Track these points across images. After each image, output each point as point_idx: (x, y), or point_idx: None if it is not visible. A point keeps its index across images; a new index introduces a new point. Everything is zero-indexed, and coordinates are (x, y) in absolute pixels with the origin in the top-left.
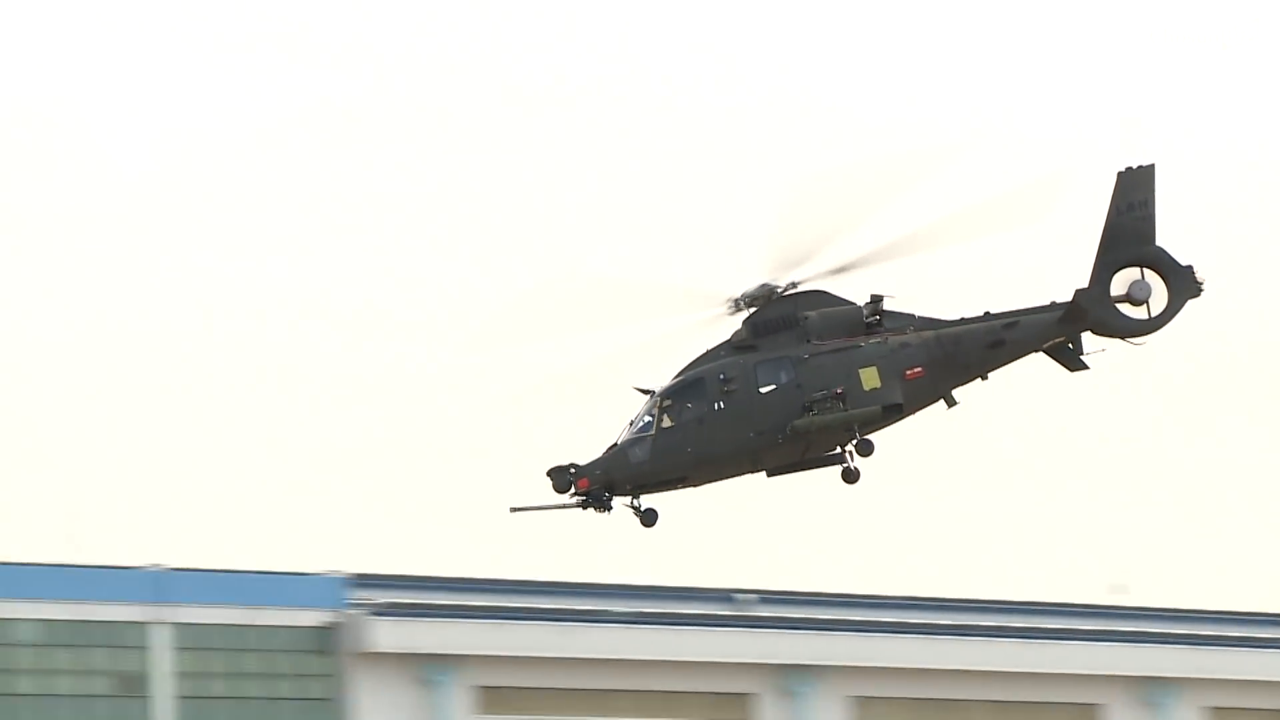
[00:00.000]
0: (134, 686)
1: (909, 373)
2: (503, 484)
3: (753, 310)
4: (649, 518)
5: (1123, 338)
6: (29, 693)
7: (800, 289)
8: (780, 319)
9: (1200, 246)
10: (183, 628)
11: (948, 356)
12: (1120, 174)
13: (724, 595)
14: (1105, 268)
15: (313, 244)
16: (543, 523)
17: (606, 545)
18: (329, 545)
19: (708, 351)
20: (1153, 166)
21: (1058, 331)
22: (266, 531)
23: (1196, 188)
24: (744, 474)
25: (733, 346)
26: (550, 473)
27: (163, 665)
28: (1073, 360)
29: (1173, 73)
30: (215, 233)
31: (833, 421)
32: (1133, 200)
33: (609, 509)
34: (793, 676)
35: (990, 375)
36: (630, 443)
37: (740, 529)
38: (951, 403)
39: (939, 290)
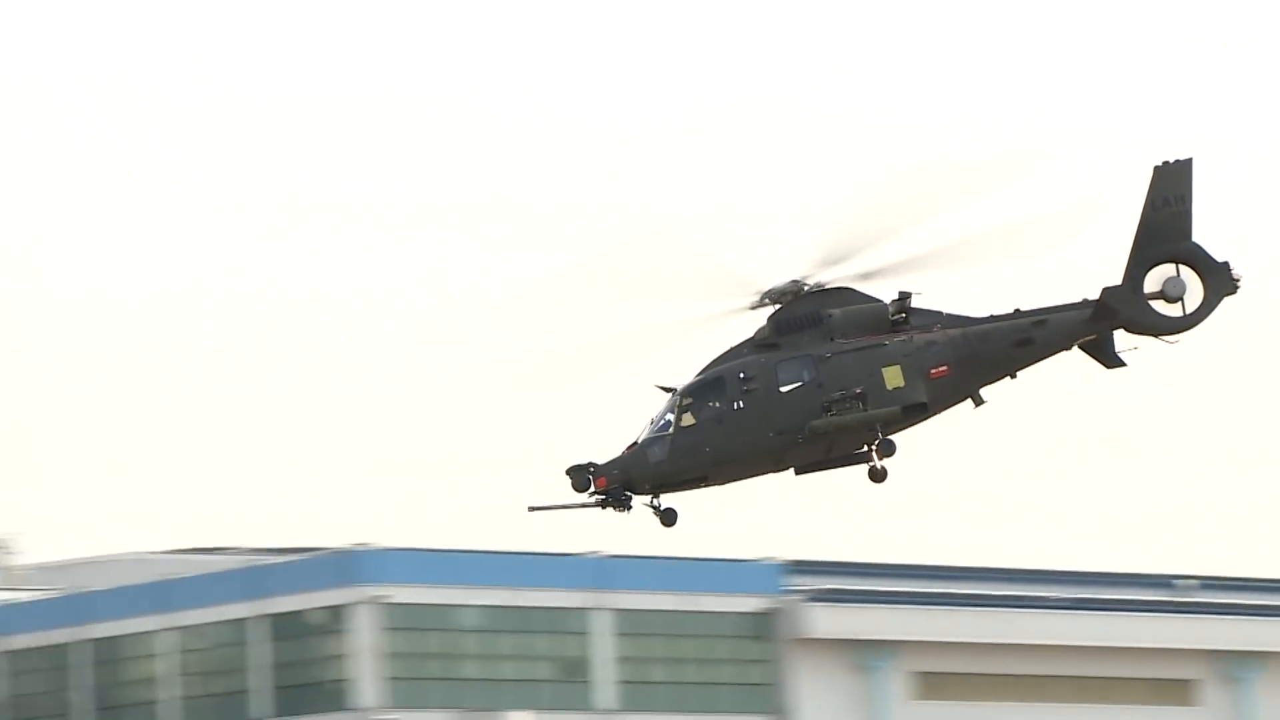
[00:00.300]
0: (576, 671)
1: (934, 371)
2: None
3: (778, 307)
4: (668, 517)
5: (1156, 335)
6: (474, 677)
7: (826, 287)
8: (804, 317)
9: (1236, 242)
10: (623, 614)
11: (974, 355)
12: (1157, 168)
13: (1164, 581)
14: (1139, 264)
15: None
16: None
17: (1042, 531)
18: (765, 532)
19: (731, 349)
20: (1190, 161)
21: (1088, 330)
22: (705, 519)
23: (1233, 183)
24: (766, 473)
25: (755, 344)
26: (569, 471)
27: (604, 650)
28: (1109, 358)
29: (1210, 68)
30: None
31: (851, 422)
32: (1169, 195)
33: (629, 508)
34: (1235, 663)
35: (1019, 374)
36: (649, 442)
37: (1181, 515)
38: (979, 401)
39: (970, 287)
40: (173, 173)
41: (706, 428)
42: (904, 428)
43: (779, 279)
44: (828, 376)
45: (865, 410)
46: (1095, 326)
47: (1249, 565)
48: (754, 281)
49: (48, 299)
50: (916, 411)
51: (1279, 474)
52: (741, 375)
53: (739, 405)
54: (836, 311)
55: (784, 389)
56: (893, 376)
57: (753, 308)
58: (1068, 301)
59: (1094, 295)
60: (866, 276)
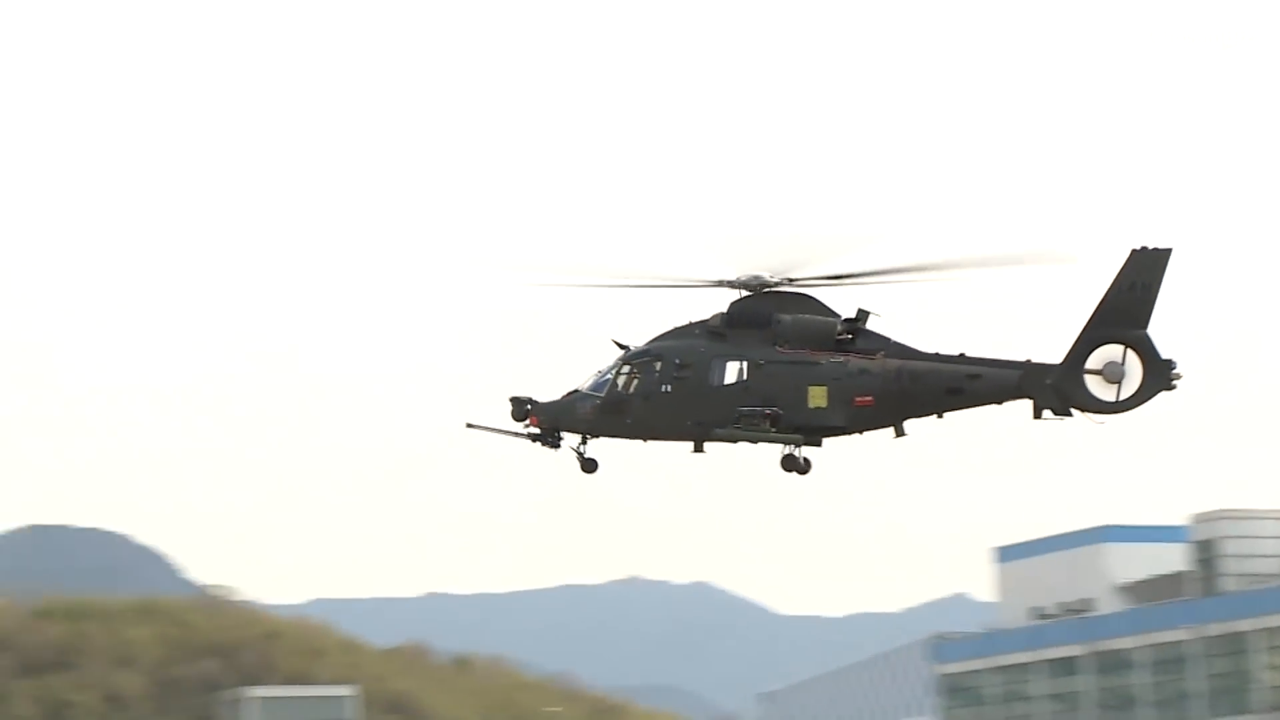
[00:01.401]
0: None
1: (859, 400)
2: None
3: (739, 295)
4: (589, 465)
5: (1083, 411)
6: None
7: (789, 289)
8: (756, 315)
9: (1186, 340)
10: None
11: (903, 391)
12: (1135, 252)
13: None
14: (1089, 339)
15: None
16: None
17: None
18: None
19: (687, 325)
20: (1169, 251)
21: (1015, 395)
22: None
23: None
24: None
25: (707, 329)
26: (511, 399)
27: None
28: (1048, 401)
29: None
30: None
31: (752, 439)
32: (1138, 280)
33: (557, 448)
34: None
35: (945, 415)
36: (583, 396)
37: None
38: (900, 433)
39: (938, 311)
40: None
41: (634, 400)
42: (816, 442)
43: (749, 269)
44: (755, 383)
45: (770, 431)
46: (1021, 395)
47: None
48: (729, 265)
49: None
50: (828, 433)
51: None
52: (678, 361)
53: (667, 389)
54: (787, 318)
55: (712, 385)
56: (816, 396)
57: (718, 285)
58: (1010, 359)
59: (1042, 354)
60: (838, 280)
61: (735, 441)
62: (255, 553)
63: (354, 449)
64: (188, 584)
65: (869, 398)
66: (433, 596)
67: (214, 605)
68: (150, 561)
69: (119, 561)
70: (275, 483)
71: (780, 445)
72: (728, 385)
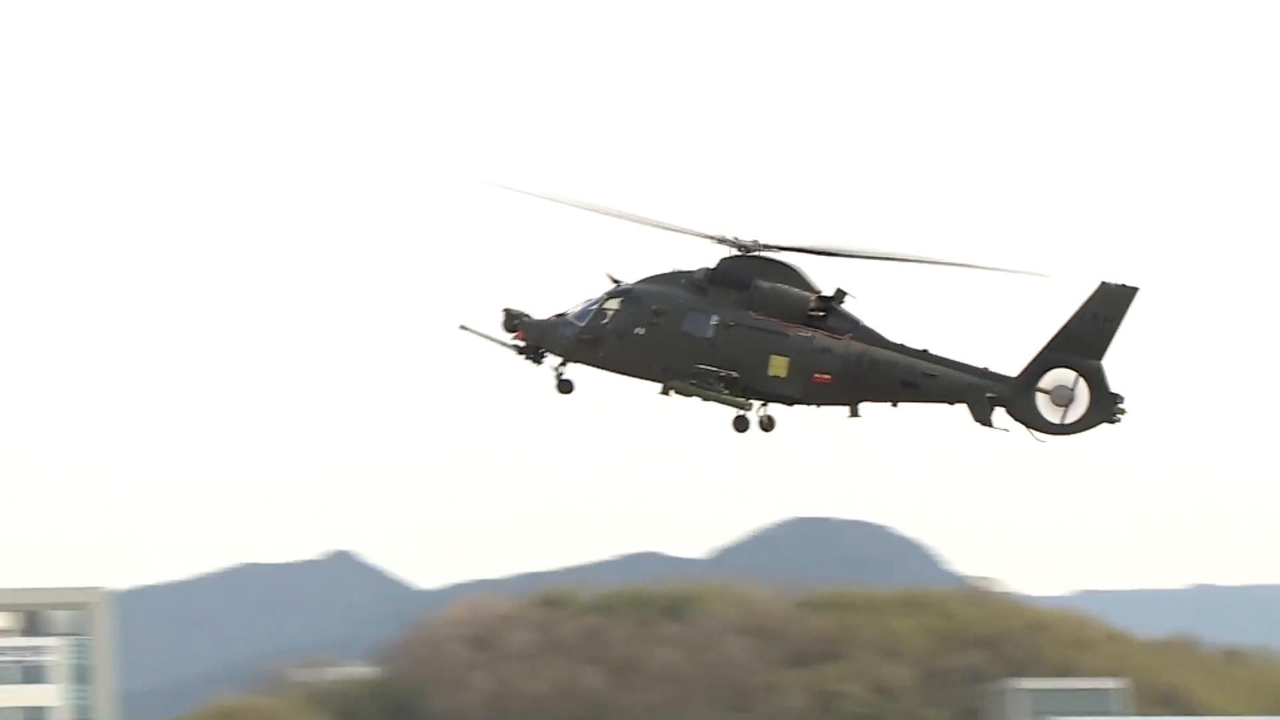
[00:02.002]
0: None
1: (817, 376)
2: None
3: (727, 254)
4: (565, 387)
5: (1028, 428)
6: None
7: (776, 256)
8: (737, 278)
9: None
10: None
11: (860, 377)
12: (1103, 284)
13: None
14: (1045, 361)
15: None
16: None
17: None
18: None
19: (674, 272)
20: (1136, 290)
21: (965, 398)
22: None
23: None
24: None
25: (691, 281)
26: (504, 310)
27: None
28: (983, 414)
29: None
30: None
31: (703, 397)
32: (1102, 313)
33: (539, 364)
34: None
35: (899, 405)
36: (564, 324)
37: None
38: (854, 414)
39: (924, 301)
40: None
41: (609, 337)
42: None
43: (743, 230)
44: (722, 342)
45: (722, 392)
46: (976, 398)
47: None
48: (724, 221)
49: None
50: (781, 402)
51: None
52: (654, 308)
53: (640, 332)
54: (765, 285)
55: (681, 336)
56: (777, 366)
57: (711, 239)
58: (970, 364)
59: (1004, 363)
60: (824, 254)
61: (688, 396)
62: (1018, 543)
63: None
64: (951, 575)
65: (827, 376)
66: (1200, 588)
67: (978, 597)
68: (913, 553)
69: (882, 553)
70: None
71: (731, 407)
72: (695, 340)
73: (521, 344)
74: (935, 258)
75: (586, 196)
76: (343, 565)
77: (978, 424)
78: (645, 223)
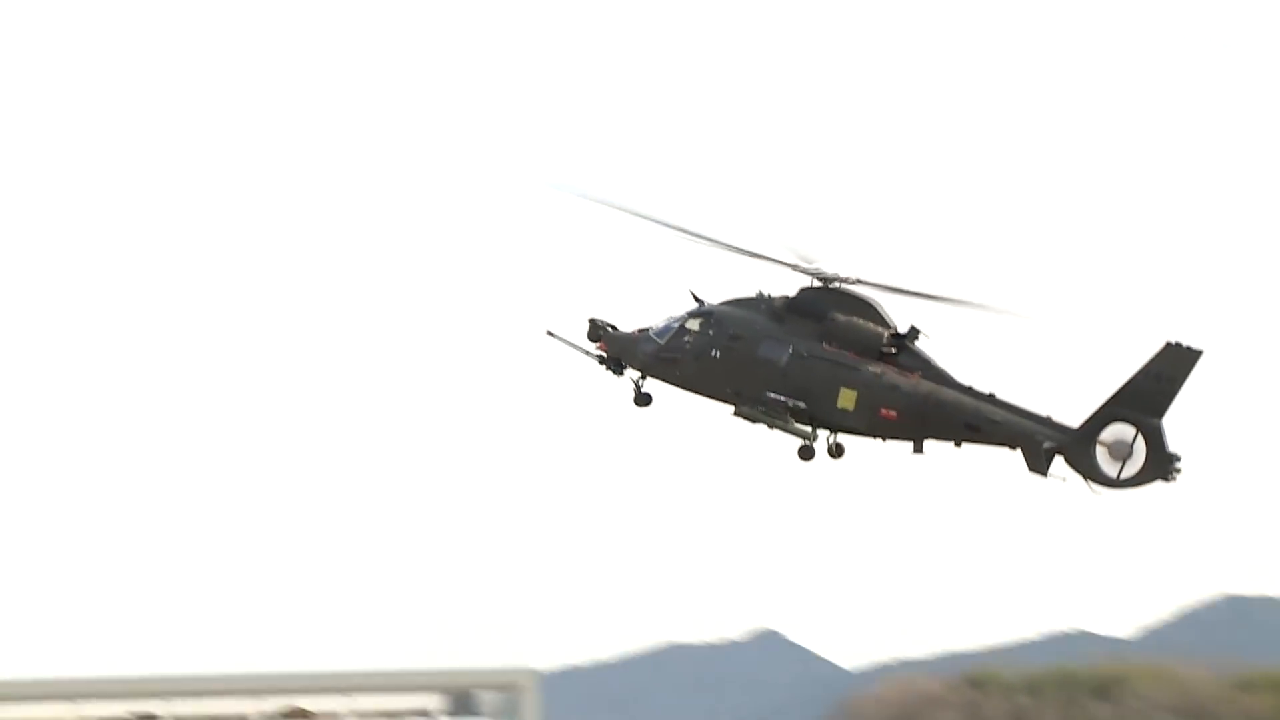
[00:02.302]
0: None
1: (884, 411)
2: None
3: (807, 284)
4: (643, 399)
5: (1084, 479)
6: None
7: (854, 290)
8: (814, 309)
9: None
10: None
11: (925, 416)
12: (1169, 344)
13: None
14: (1106, 415)
15: None
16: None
17: None
18: None
19: (755, 297)
20: (1200, 353)
21: (1023, 445)
22: None
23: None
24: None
25: (771, 308)
26: (590, 320)
27: None
28: (1038, 463)
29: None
30: None
31: (768, 424)
32: (1165, 373)
33: (620, 375)
34: None
35: (962, 446)
36: (645, 340)
37: None
38: (919, 449)
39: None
40: None
41: (687, 356)
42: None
43: (826, 262)
44: (794, 371)
45: (789, 423)
46: (1033, 448)
47: None
48: (806, 252)
49: None
50: (847, 432)
51: None
52: (733, 332)
53: (716, 354)
54: (841, 318)
55: (756, 362)
56: (846, 399)
57: (793, 268)
58: (1034, 412)
59: (1070, 413)
60: (901, 292)
61: (754, 422)
62: None
63: None
64: None
65: (894, 412)
66: None
67: None
68: None
69: None
70: None
71: (796, 437)
72: (769, 367)
73: (604, 354)
74: (994, 304)
75: (675, 217)
76: (768, 645)
77: (1031, 472)
78: (730, 248)
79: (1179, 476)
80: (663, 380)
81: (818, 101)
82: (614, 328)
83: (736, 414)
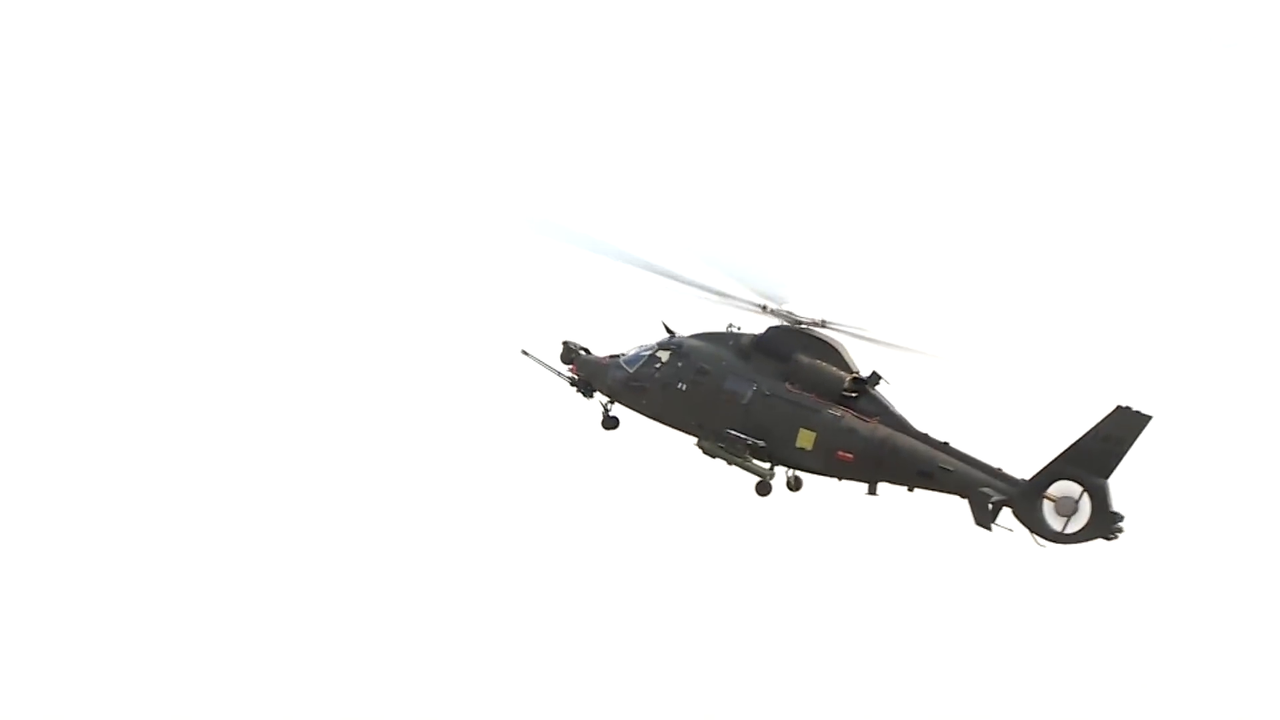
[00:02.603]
0: None
1: (840, 454)
2: None
3: (774, 325)
4: (609, 423)
5: (1030, 531)
6: None
7: (818, 333)
8: (779, 350)
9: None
10: None
11: (880, 460)
12: (1119, 408)
13: None
14: (1054, 472)
15: None
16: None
17: None
18: None
19: (724, 333)
20: (1150, 418)
21: (970, 496)
22: None
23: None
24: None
25: (738, 345)
26: (564, 342)
27: None
28: (983, 516)
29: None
30: None
31: (727, 461)
32: (1114, 435)
33: (589, 398)
34: None
35: (914, 491)
36: (615, 366)
37: None
38: (872, 491)
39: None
40: None
41: (654, 387)
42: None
43: (794, 304)
44: (756, 409)
45: (744, 460)
46: (979, 499)
47: None
48: (770, 291)
49: None
50: (803, 470)
51: None
52: (700, 366)
53: (682, 387)
54: (805, 361)
55: (719, 398)
56: (804, 439)
57: (761, 309)
58: (986, 463)
59: (1022, 468)
60: (865, 339)
61: (713, 457)
62: None
63: None
64: None
65: (850, 455)
66: None
67: None
68: None
69: None
70: None
71: (753, 474)
72: (731, 403)
73: (575, 377)
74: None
75: (645, 255)
76: None
77: (976, 524)
78: (699, 288)
79: (1120, 536)
80: (629, 408)
81: (795, 141)
82: (587, 351)
83: (698, 445)
